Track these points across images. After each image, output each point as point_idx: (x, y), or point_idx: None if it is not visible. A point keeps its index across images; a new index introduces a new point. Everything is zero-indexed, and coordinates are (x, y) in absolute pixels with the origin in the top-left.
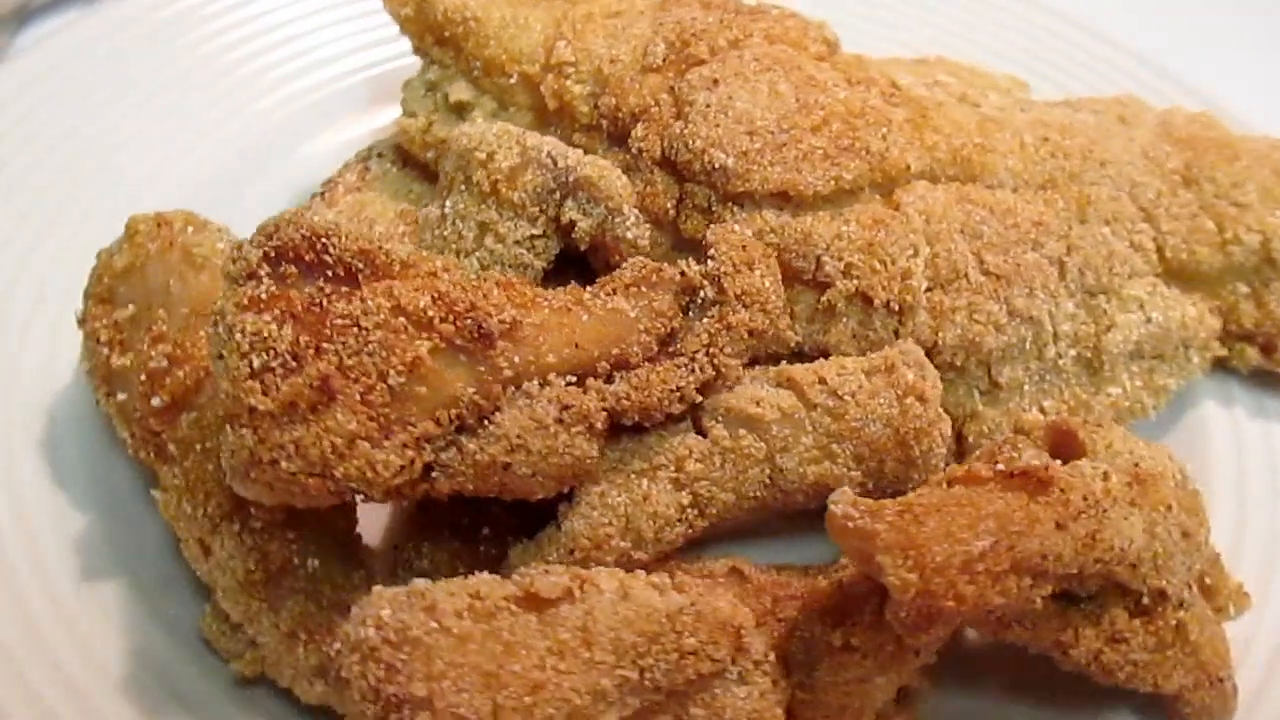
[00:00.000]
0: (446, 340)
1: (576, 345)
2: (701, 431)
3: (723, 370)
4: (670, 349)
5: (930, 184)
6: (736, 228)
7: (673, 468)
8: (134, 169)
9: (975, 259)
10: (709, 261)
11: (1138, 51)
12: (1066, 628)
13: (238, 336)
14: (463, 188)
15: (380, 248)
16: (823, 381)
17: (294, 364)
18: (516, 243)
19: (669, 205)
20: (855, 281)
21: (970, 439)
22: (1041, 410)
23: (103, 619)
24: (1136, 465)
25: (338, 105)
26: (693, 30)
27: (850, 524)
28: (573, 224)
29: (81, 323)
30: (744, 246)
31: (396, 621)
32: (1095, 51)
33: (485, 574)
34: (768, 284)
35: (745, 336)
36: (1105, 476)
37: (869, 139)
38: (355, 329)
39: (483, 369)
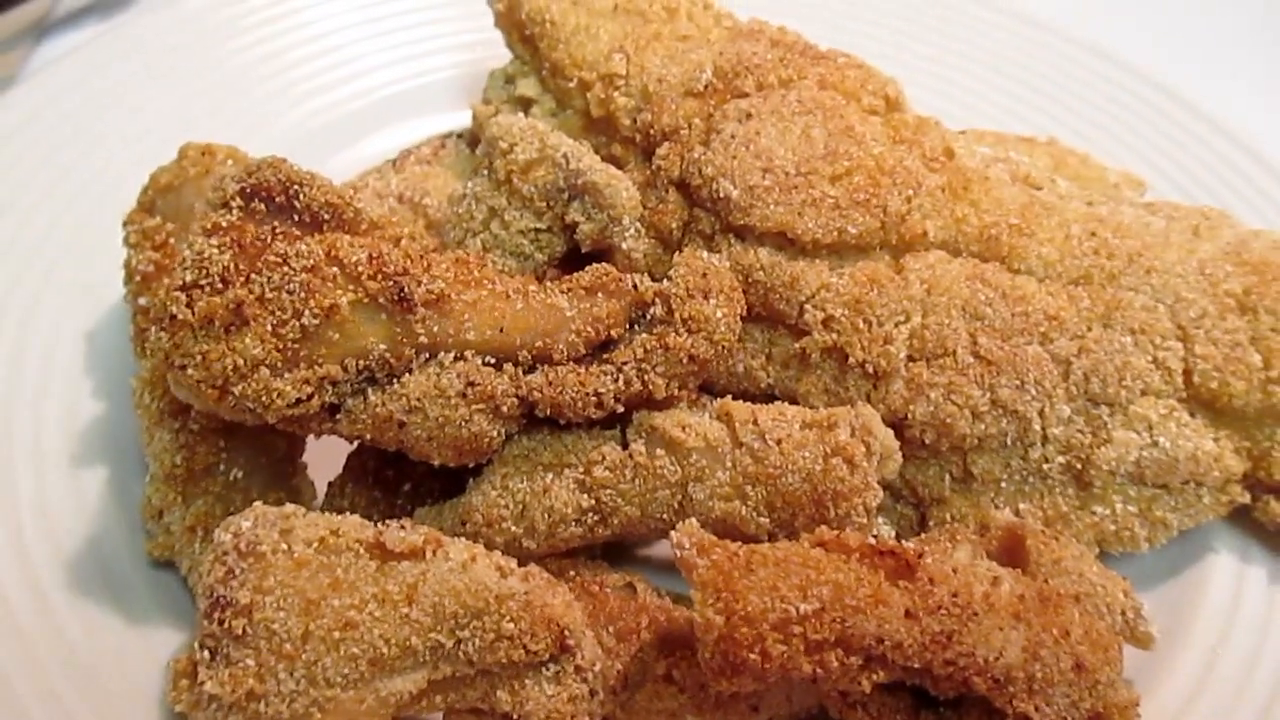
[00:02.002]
0: (370, 296)
1: (501, 330)
2: (625, 444)
3: (651, 387)
4: (603, 356)
5: (948, 255)
6: (705, 255)
7: (581, 469)
8: None
9: (969, 339)
10: (667, 282)
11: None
12: None
13: (186, 253)
14: (485, 172)
15: (350, 204)
16: (755, 422)
17: (220, 285)
18: (520, 232)
19: (675, 226)
20: (833, 335)
21: (932, 523)
22: (1016, 513)
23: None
24: (1046, 582)
25: (361, 121)
26: (747, 63)
27: (680, 553)
28: (576, 225)
29: (125, 224)
30: (705, 274)
31: (252, 534)
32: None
33: (356, 518)
34: (719, 315)
35: (684, 361)
36: (995, 582)
37: (889, 199)
38: (284, 267)
39: (399, 330)
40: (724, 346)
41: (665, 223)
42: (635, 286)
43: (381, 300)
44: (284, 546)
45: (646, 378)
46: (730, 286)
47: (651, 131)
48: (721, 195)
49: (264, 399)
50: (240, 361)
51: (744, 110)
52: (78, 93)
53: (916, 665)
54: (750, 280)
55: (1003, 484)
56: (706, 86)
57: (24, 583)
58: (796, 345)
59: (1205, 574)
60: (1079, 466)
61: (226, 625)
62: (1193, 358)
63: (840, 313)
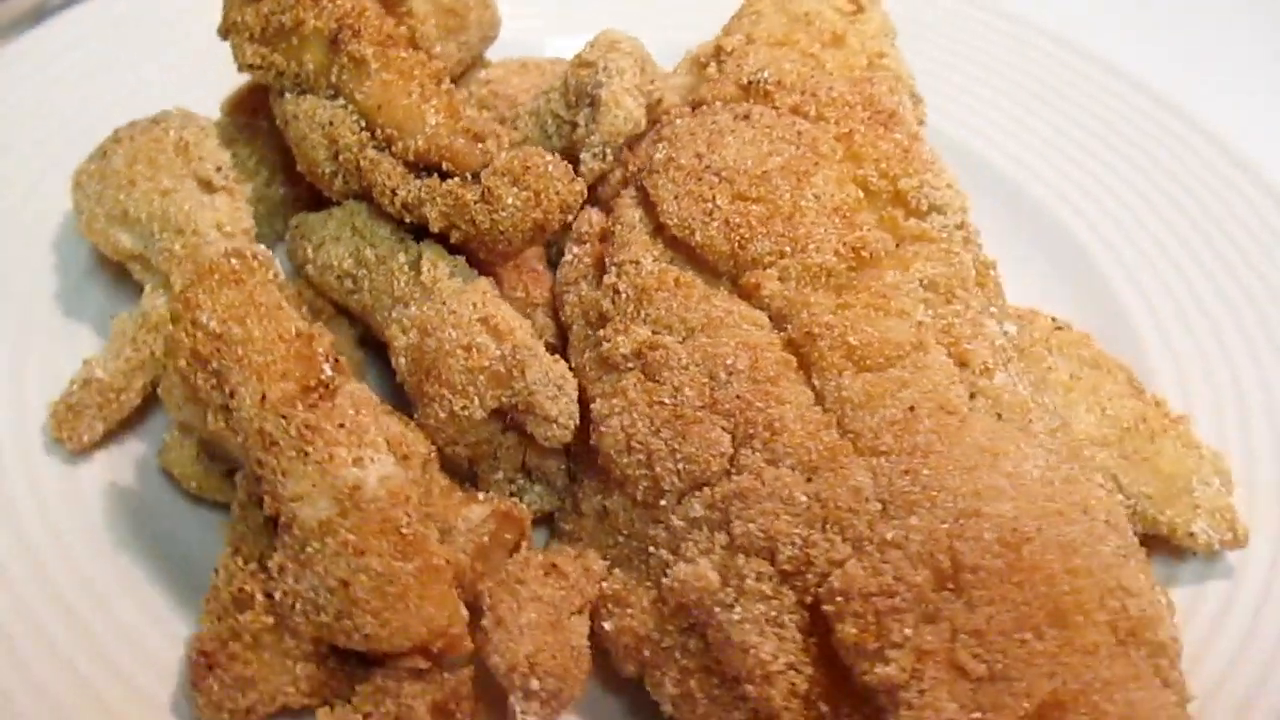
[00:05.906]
0: (328, 32)
1: (380, 107)
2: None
3: (427, 220)
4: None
5: (765, 322)
6: (550, 159)
7: (365, 246)
8: None
9: (683, 384)
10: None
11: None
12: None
13: None
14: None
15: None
16: (486, 321)
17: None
18: (549, 112)
19: (632, 171)
20: (607, 305)
21: (559, 522)
22: (611, 572)
23: None
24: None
25: None
26: (809, 90)
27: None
28: (575, 126)
29: None
30: (527, 167)
31: (164, 121)
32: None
33: (227, 156)
34: (511, 201)
35: (468, 220)
36: (356, 489)
37: (760, 241)
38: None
39: (325, 64)
40: (503, 231)
41: (628, 168)
42: (489, 150)
43: (327, 36)
44: (169, 135)
45: (433, 209)
46: (545, 192)
47: (692, 100)
48: (650, 155)
49: (238, 51)
50: (239, 21)
51: (744, 112)
52: (61, 62)
53: (248, 451)
54: (607, 231)
55: (620, 538)
56: (752, 84)
57: None
58: (584, 298)
59: None
60: (665, 574)
61: (107, 147)
62: (837, 570)
63: (626, 290)
